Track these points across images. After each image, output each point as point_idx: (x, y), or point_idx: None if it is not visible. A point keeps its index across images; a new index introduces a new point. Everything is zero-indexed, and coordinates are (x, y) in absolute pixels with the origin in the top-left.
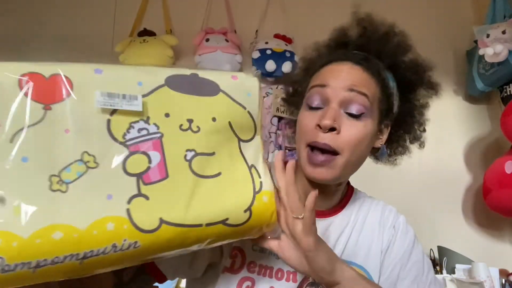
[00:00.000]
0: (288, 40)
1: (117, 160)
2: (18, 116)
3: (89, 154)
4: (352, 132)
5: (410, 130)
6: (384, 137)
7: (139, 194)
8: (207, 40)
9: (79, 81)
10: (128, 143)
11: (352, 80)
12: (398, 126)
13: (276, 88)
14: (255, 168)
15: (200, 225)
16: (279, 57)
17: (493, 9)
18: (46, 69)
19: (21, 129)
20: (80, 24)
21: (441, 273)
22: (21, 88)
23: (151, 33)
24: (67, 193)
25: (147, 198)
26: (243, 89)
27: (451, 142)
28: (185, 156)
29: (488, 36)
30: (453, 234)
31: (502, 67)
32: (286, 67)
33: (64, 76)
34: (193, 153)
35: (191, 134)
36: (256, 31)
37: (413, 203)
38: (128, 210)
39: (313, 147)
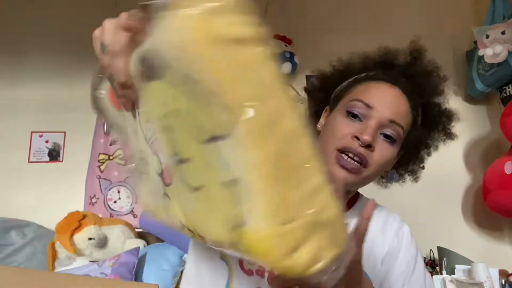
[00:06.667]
0: (287, 41)
1: (153, 162)
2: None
3: (141, 158)
4: (383, 153)
5: (410, 162)
6: (393, 162)
7: (165, 194)
8: None
9: None
10: (149, 143)
11: (396, 109)
12: (404, 155)
13: None
14: None
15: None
16: (279, 58)
17: (493, 10)
18: None
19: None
20: (80, 24)
21: (441, 273)
22: None
23: None
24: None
25: (169, 198)
26: None
27: (450, 142)
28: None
29: (487, 36)
30: (453, 235)
31: (501, 68)
32: (286, 68)
33: None
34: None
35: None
36: None
37: (413, 203)
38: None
39: (343, 152)
